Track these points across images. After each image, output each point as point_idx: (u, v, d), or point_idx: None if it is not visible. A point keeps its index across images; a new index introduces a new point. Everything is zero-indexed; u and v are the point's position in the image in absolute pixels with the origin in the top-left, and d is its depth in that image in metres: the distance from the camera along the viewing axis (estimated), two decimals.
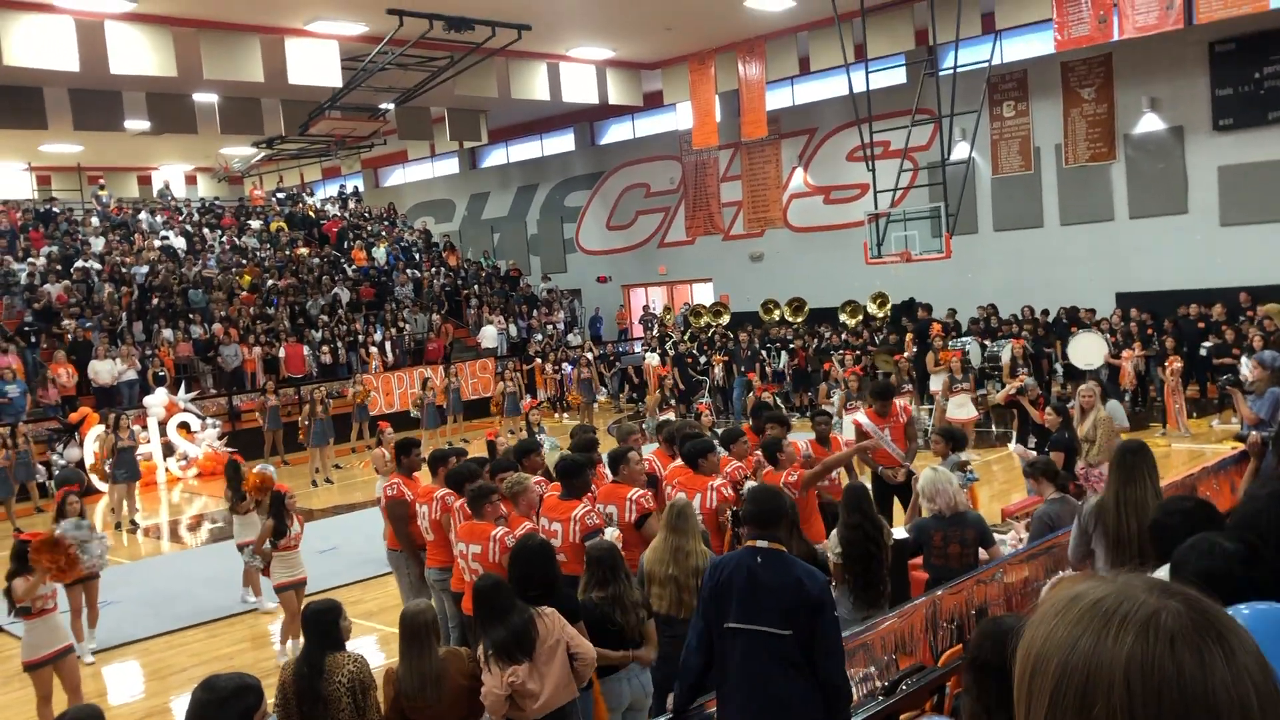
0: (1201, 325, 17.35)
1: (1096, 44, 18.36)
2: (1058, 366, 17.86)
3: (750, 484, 6.77)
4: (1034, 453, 9.28)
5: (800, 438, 8.61)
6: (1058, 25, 17.70)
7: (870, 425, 9.10)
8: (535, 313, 27.12)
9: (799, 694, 4.04)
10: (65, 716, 3.94)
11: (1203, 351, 16.55)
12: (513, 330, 25.90)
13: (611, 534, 6.29)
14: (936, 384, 16.11)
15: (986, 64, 18.33)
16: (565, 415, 22.39)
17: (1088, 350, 16.70)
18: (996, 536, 7.01)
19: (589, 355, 23.39)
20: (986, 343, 18.10)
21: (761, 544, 4.20)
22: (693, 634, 4.37)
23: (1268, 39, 18.37)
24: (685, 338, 23.58)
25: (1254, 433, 6.94)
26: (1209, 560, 2.48)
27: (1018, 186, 21.85)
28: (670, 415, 11.16)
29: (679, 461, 7.49)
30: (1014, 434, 14.98)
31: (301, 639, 8.38)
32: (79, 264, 23.24)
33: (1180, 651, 0.94)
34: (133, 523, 14.85)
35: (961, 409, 14.79)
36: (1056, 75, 21.01)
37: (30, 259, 23.25)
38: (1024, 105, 21.65)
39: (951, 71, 17.69)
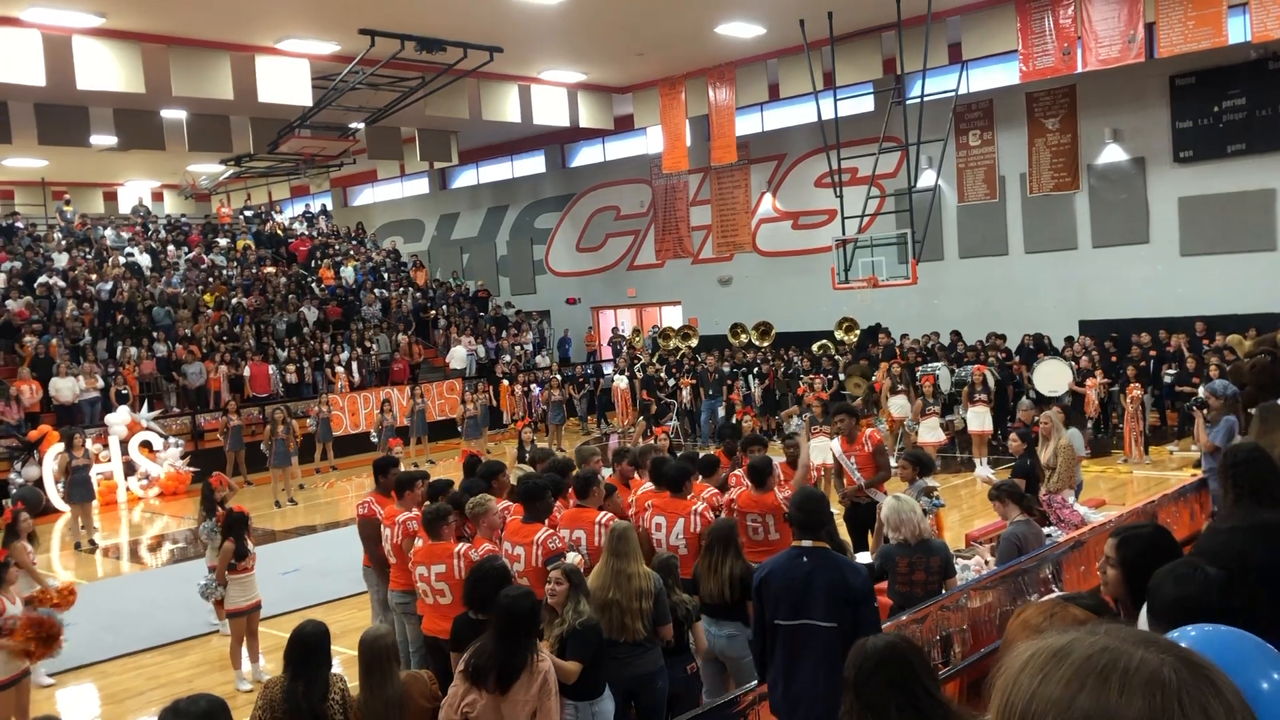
0: (1154, 353, 17.57)
1: (1060, 75, 18.68)
2: (1031, 394, 18.02)
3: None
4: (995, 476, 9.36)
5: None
6: (1023, 56, 18.01)
7: (839, 453, 9.15)
8: (504, 334, 27.06)
9: (840, 683, 4.15)
10: None
11: (1165, 379, 16.78)
12: (481, 351, 25.83)
13: (573, 559, 6.26)
14: (895, 408, 16.23)
15: (953, 93, 18.57)
16: (534, 437, 22.27)
17: (1052, 377, 16.90)
18: (960, 563, 7.06)
19: (557, 377, 23.38)
20: (955, 368, 18.26)
21: (806, 543, 4.55)
22: (754, 626, 4.80)
23: (1226, 73, 18.76)
24: (653, 360, 23.61)
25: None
26: (1190, 587, 2.47)
27: (983, 214, 22.12)
28: (654, 440, 11.13)
29: (648, 485, 7.48)
30: (979, 460, 15.13)
31: (257, 661, 8.32)
32: (42, 280, 22.96)
33: (1189, 709, 0.94)
34: (91, 542, 14.63)
35: (931, 433, 14.94)
36: (1021, 105, 21.33)
37: None
38: (989, 134, 21.95)
39: (919, 100, 17.91)
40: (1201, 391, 9.68)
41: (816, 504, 4.71)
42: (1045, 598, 2.41)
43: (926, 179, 20.19)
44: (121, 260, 25.31)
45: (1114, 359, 17.76)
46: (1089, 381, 16.79)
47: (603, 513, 6.71)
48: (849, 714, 3.19)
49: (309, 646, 4.59)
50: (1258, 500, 3.91)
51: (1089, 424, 16.44)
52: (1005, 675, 1.06)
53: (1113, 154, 20.35)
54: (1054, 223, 21.15)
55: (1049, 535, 7.45)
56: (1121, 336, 18.57)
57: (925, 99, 17.87)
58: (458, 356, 24.74)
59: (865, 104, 22.38)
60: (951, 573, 6.13)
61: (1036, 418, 10.25)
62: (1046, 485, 9.18)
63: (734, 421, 15.38)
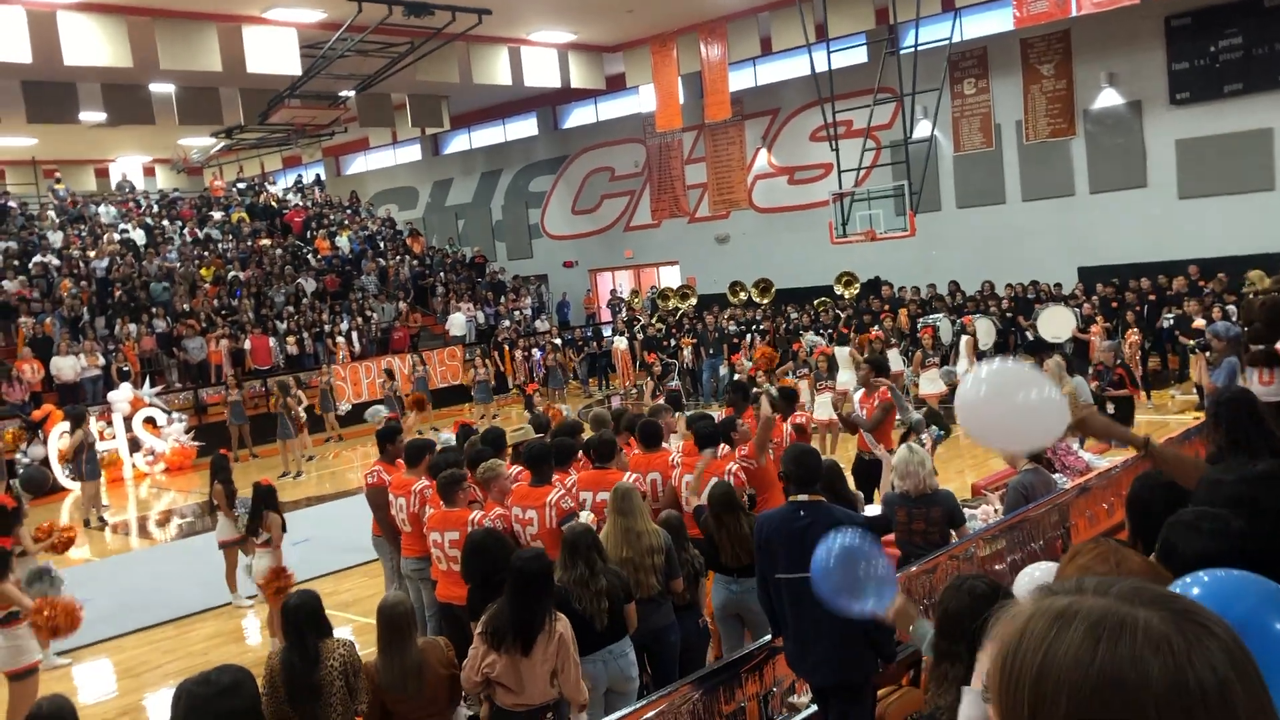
0: (1153, 297, 17.57)
1: (1055, 20, 18.51)
2: (1028, 335, 18.00)
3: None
4: None
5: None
6: (1016, 2, 17.85)
7: (856, 403, 9.30)
8: (502, 299, 27.02)
9: (845, 635, 4.41)
10: (38, 711, 3.89)
11: (1165, 323, 16.77)
12: (480, 317, 25.80)
13: (586, 517, 6.29)
14: (892, 361, 16.11)
15: (946, 42, 18.42)
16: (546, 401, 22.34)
17: (1056, 323, 16.86)
18: (967, 512, 7.08)
19: (556, 341, 23.38)
20: (955, 319, 18.23)
21: (802, 497, 4.62)
22: (758, 581, 4.86)
23: (1222, 13, 18.59)
24: (653, 321, 23.59)
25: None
26: (1215, 541, 2.32)
27: (979, 163, 22.01)
28: (661, 401, 11.17)
29: (636, 450, 7.49)
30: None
31: (279, 635, 8.37)
32: (37, 259, 22.89)
33: (1199, 668, 0.95)
34: (100, 519, 14.69)
35: (931, 384, 14.90)
36: (1016, 52, 21.17)
37: None
38: (984, 83, 21.80)
39: (912, 50, 17.77)
40: (1208, 331, 9.70)
41: (809, 459, 4.76)
42: (1100, 540, 2.35)
43: (922, 129, 20.06)
44: (116, 237, 25.21)
45: (1114, 305, 17.74)
46: (1092, 328, 16.78)
47: (627, 474, 6.73)
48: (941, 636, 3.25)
49: (297, 617, 4.65)
50: (1243, 442, 3.92)
51: (1091, 371, 16.43)
52: (1008, 636, 1.06)
53: (1109, 98, 20.22)
54: (1051, 169, 21.05)
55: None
56: (1121, 281, 18.54)
57: (919, 48, 17.73)
58: (457, 323, 24.72)
59: (858, 55, 22.22)
60: (959, 522, 6.15)
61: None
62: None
63: (737, 379, 15.37)
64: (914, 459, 6.14)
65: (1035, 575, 3.43)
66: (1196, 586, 1.81)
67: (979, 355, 15.84)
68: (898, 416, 8.96)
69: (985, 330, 17.15)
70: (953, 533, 6.18)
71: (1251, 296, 7.53)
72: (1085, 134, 20.62)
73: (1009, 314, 18.39)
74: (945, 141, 22.16)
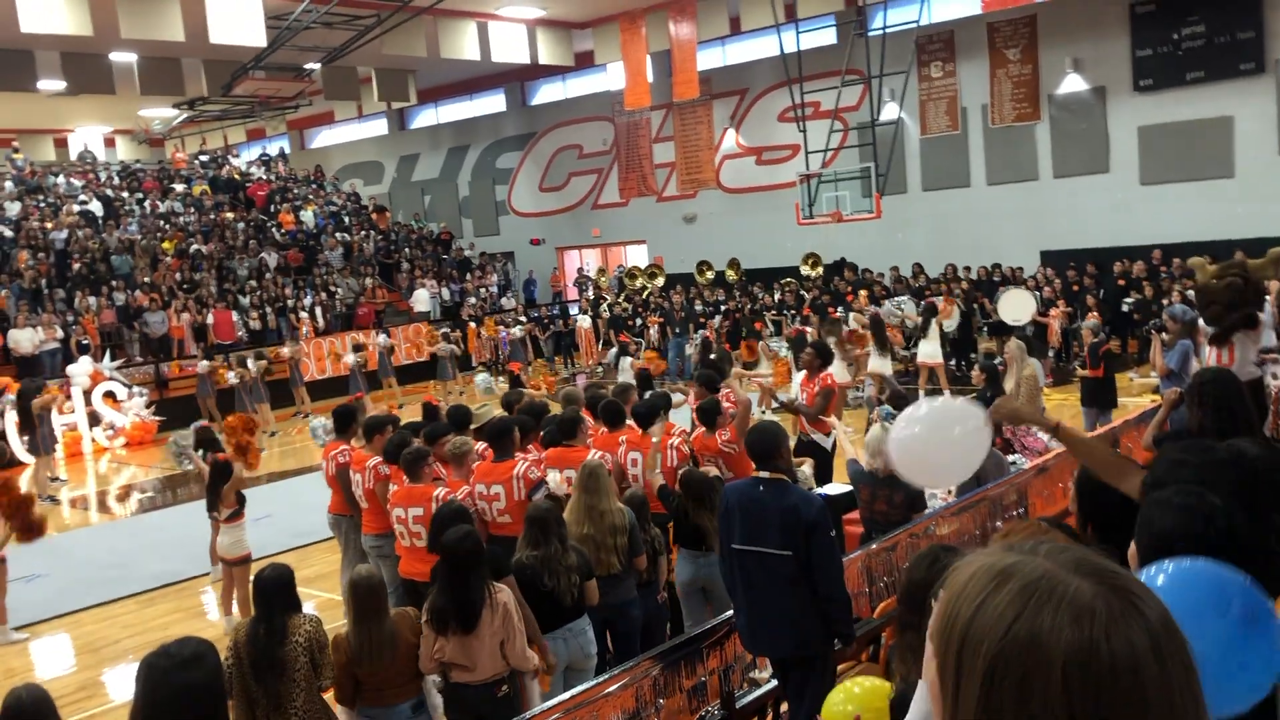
0: (1121, 282, 17.81)
1: (1021, 5, 18.62)
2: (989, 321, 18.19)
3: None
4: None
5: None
6: None
7: (797, 388, 9.30)
8: (468, 276, 26.89)
9: (798, 608, 4.48)
10: (13, 696, 3.85)
11: (1124, 307, 17.00)
12: (445, 294, 25.68)
13: (554, 479, 6.33)
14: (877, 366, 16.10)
15: (914, 25, 18.48)
16: (502, 378, 22.30)
17: (1016, 306, 17.04)
18: (926, 492, 7.16)
19: (522, 319, 23.34)
20: (919, 301, 18.35)
21: (764, 474, 4.65)
22: (720, 551, 4.91)
23: (1185, 0, 18.76)
24: (620, 300, 23.59)
25: (1170, 388, 7.18)
26: (1193, 522, 2.18)
27: (945, 146, 22.13)
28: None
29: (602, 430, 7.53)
30: (946, 391, 15.29)
31: (234, 613, 8.33)
32: None
33: (1114, 640, 0.97)
34: (51, 498, 14.46)
35: (881, 364, 14.83)
36: (983, 36, 21.27)
37: None
38: (951, 66, 21.90)
39: (880, 32, 17.81)
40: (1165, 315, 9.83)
41: (770, 435, 4.81)
42: (1030, 520, 2.36)
43: (889, 112, 20.13)
44: (75, 208, 24.82)
45: (1075, 288, 17.95)
46: (1052, 311, 16.96)
47: (593, 451, 6.75)
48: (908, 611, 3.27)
49: (268, 591, 4.64)
50: (1227, 421, 3.98)
51: (1050, 353, 16.65)
52: (950, 590, 1.08)
53: (1073, 84, 20.38)
54: (1015, 154, 21.21)
55: (1013, 463, 7.58)
56: (1081, 266, 18.76)
57: (887, 30, 17.78)
58: (420, 299, 24.59)
59: (827, 36, 22.23)
60: (920, 508, 6.23)
61: (997, 351, 10.37)
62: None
63: (711, 356, 15.41)
64: (886, 438, 6.20)
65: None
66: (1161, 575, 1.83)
67: (944, 337, 15.95)
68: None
69: (908, 310, 17.30)
70: (913, 516, 6.27)
71: (1206, 280, 7.61)
72: (1050, 119, 20.77)
73: (973, 297, 18.55)
74: (912, 124, 22.25)
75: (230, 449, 8.31)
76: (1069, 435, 3.47)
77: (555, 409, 8.55)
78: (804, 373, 9.32)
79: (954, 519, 6.11)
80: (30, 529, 7.11)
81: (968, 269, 19.86)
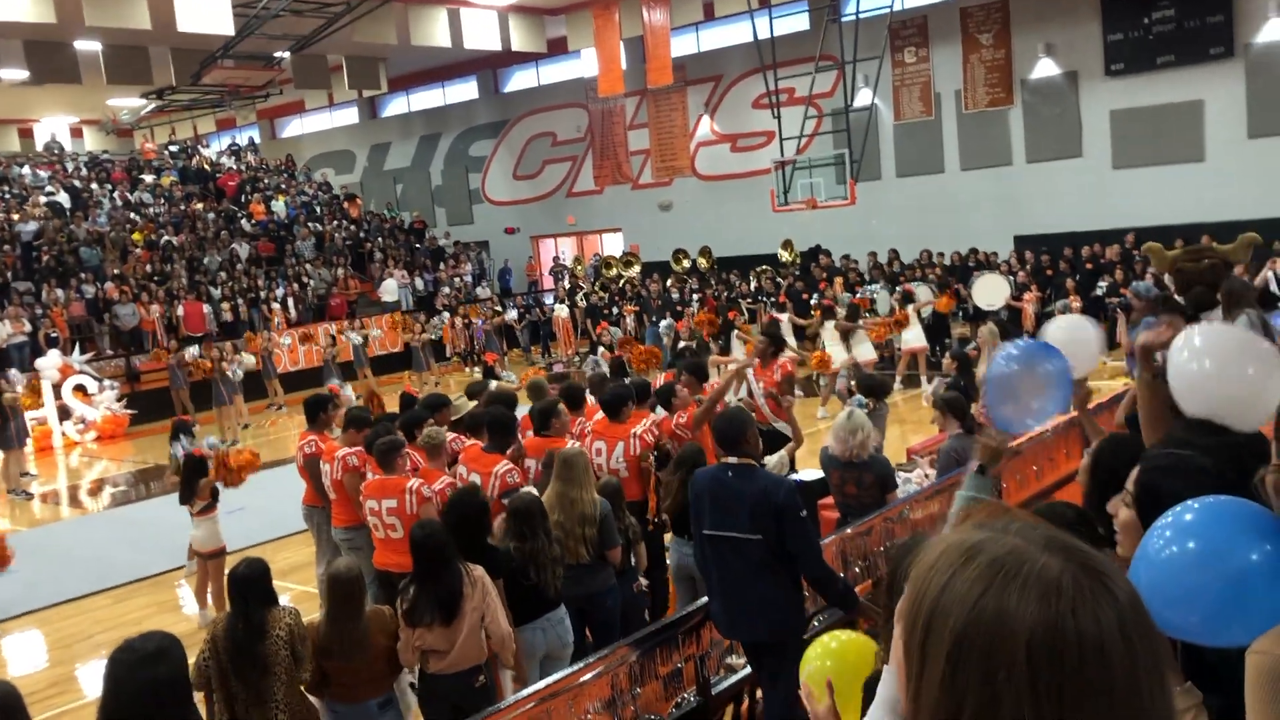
0: (1090, 266, 17.91)
1: None
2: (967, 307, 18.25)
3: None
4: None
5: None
6: None
7: (750, 377, 9.20)
8: (442, 265, 26.75)
9: (770, 593, 4.48)
10: None
11: (1098, 291, 17.10)
12: (419, 284, 25.54)
13: (529, 491, 6.31)
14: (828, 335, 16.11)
15: (888, 10, 18.47)
16: (475, 369, 22.22)
17: (990, 291, 17.10)
18: (901, 476, 7.18)
19: (498, 309, 23.25)
20: (894, 287, 18.41)
21: (731, 460, 4.63)
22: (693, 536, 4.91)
23: None
24: (596, 288, 23.53)
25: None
26: (1190, 482, 2.16)
27: (919, 132, 22.18)
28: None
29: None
30: (923, 377, 15.34)
31: (209, 606, 8.26)
32: None
33: (1081, 617, 0.96)
34: (25, 493, 14.31)
35: (862, 348, 14.88)
36: (956, 21, 21.31)
37: None
38: (925, 51, 21.92)
39: (853, 18, 17.79)
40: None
41: (736, 421, 4.80)
42: (992, 503, 2.35)
43: (863, 98, 20.13)
44: (42, 199, 24.51)
45: (1049, 273, 18.05)
46: (1026, 296, 17.03)
47: (571, 443, 6.72)
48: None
49: (245, 585, 4.58)
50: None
51: (1024, 337, 16.71)
52: (919, 567, 1.07)
53: (1046, 68, 20.45)
54: (989, 139, 21.28)
55: None
56: (1056, 250, 18.85)
57: (860, 16, 17.76)
58: (389, 289, 24.43)
59: (800, 22, 22.19)
60: (890, 488, 6.24)
61: (970, 337, 10.40)
62: (984, 400, 9.30)
63: (687, 345, 15.39)
64: (849, 424, 6.21)
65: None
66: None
67: (922, 323, 15.98)
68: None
69: (925, 297, 17.34)
70: (887, 496, 6.28)
71: (1170, 265, 7.67)
72: (1023, 104, 20.85)
73: (947, 282, 18.60)
74: (886, 110, 22.28)
75: (220, 472, 8.26)
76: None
77: (523, 400, 8.53)
78: (757, 362, 9.27)
79: (928, 502, 6.12)
80: None
81: (942, 255, 19.94)
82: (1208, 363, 3.02)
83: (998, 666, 0.96)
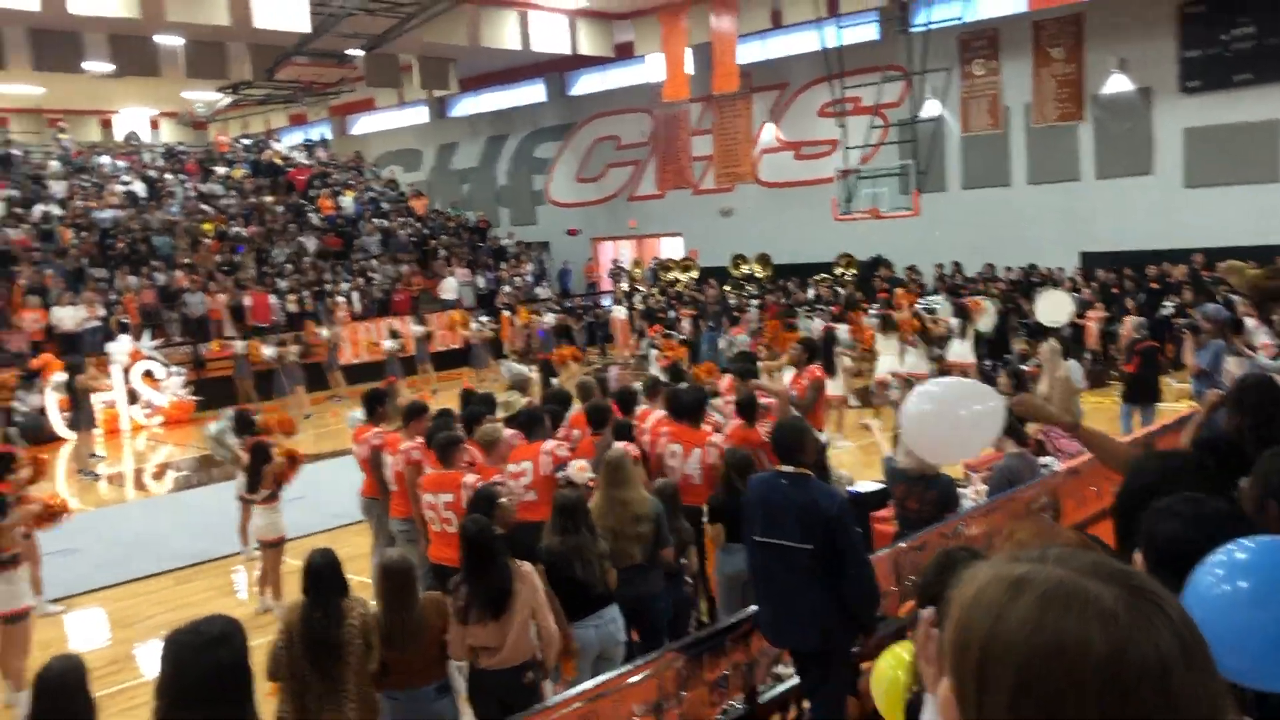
0: (1155, 285, 17.58)
1: (1068, 4, 18.39)
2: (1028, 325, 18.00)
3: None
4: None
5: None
6: None
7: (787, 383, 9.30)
8: (503, 265, 26.98)
9: (819, 603, 4.49)
10: (47, 672, 3.90)
11: (1164, 311, 16.79)
12: (481, 282, 25.77)
13: (576, 467, 6.36)
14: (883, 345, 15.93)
15: (958, 21, 18.32)
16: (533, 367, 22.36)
17: (1054, 307, 16.85)
18: (958, 491, 7.13)
19: (555, 308, 23.40)
20: (954, 301, 18.23)
21: (787, 468, 4.66)
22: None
23: (1236, 1, 18.47)
24: (654, 292, 23.58)
25: (1211, 390, 7.08)
26: (1185, 526, 2.16)
27: (986, 145, 21.93)
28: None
29: (659, 413, 7.56)
30: None
31: (272, 596, 8.42)
32: (39, 208, 22.83)
33: (1141, 643, 0.97)
34: (93, 473, 14.71)
35: (912, 359, 14.64)
36: (1028, 34, 21.04)
37: None
38: (994, 64, 21.67)
39: (924, 28, 17.66)
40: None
41: (794, 432, 4.83)
42: (1034, 516, 2.33)
43: (930, 109, 19.98)
44: (119, 188, 25.13)
45: (1114, 290, 17.75)
46: (1090, 313, 16.77)
47: (622, 444, 6.78)
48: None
49: (320, 575, 4.66)
50: (1267, 427, 3.89)
51: (1087, 356, 16.46)
52: (962, 602, 1.07)
53: (1118, 84, 20.12)
54: (1057, 154, 20.98)
55: (1045, 466, 7.50)
56: (1122, 268, 18.54)
57: (930, 27, 17.63)
58: (449, 287, 24.65)
59: (869, 32, 22.06)
60: (951, 507, 6.20)
61: (1031, 353, 10.28)
62: None
63: (741, 350, 15.36)
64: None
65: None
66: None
67: (979, 337, 15.81)
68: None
69: (988, 312, 17.15)
70: (945, 515, 6.24)
71: (1246, 283, 7.55)
72: (1093, 119, 20.53)
73: (1010, 297, 18.38)
74: (953, 122, 22.07)
75: (281, 456, 8.43)
76: (1089, 435, 3.43)
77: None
78: (793, 370, 9.31)
79: (984, 519, 6.07)
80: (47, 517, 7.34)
81: (1008, 269, 19.69)
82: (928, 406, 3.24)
83: (1063, 699, 0.97)
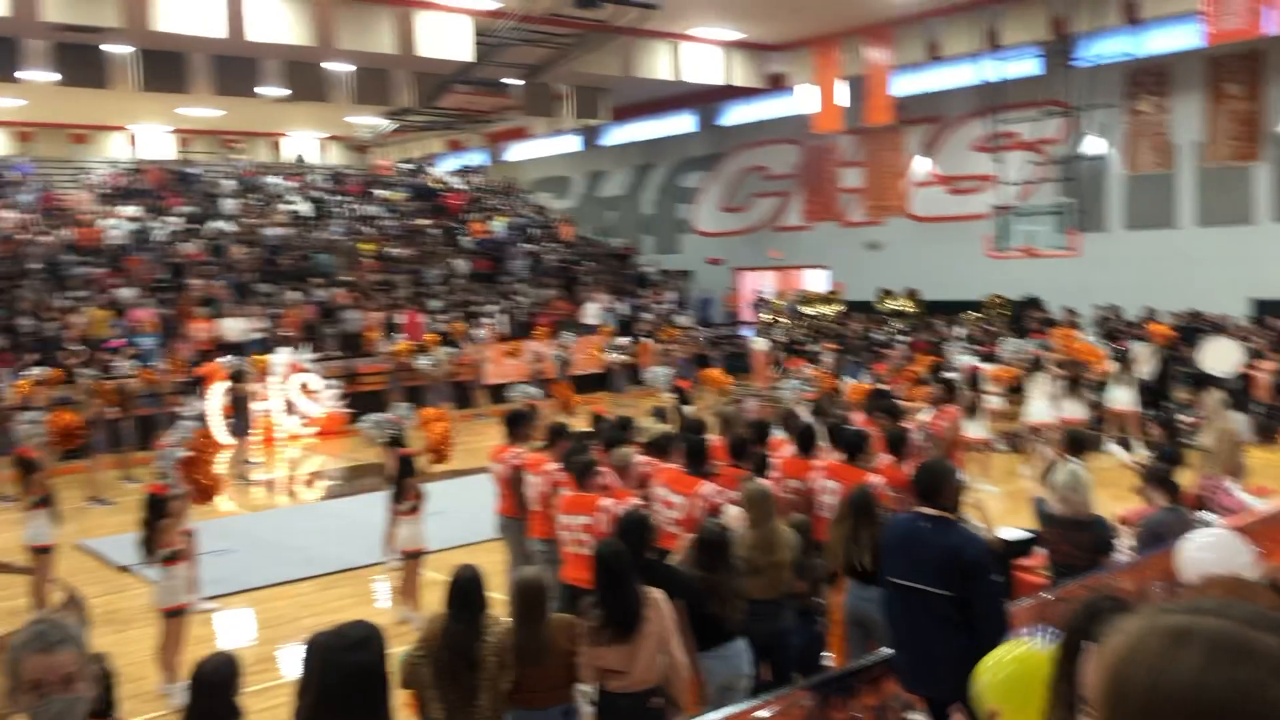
0: None
1: (1247, 38, 17.51)
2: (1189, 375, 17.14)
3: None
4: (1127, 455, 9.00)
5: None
6: (1208, 17, 16.92)
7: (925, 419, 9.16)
8: (645, 292, 27.21)
9: (956, 651, 4.29)
10: (200, 671, 4.09)
11: None
12: (622, 308, 26.05)
13: (733, 514, 6.32)
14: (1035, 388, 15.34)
15: (1126, 56, 17.65)
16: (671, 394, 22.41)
17: (1220, 356, 15.99)
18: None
19: (698, 337, 23.44)
20: (1112, 345, 17.50)
21: (928, 510, 4.55)
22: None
23: None
24: (795, 324, 23.39)
25: None
26: None
27: (1152, 184, 21.01)
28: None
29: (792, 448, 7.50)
30: (1133, 441, 14.46)
31: (410, 607, 8.62)
32: (212, 224, 24.16)
33: None
34: (244, 478, 15.36)
35: (1070, 405, 14.09)
36: (1200, 70, 20.11)
37: (166, 217, 24.26)
38: (1164, 100, 20.76)
39: (1088, 63, 17.09)
40: None
41: (934, 473, 4.72)
42: (1231, 576, 2.20)
43: (1092, 146, 19.29)
44: (285, 207, 26.40)
45: None
46: (1259, 363, 15.85)
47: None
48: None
49: (465, 590, 4.74)
50: None
51: (1257, 409, 15.55)
52: (1114, 651, 1.05)
53: None
54: (1230, 195, 19.95)
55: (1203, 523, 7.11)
56: None
57: (1095, 62, 17.05)
58: (591, 312, 24.98)
59: (1029, 66, 21.47)
60: (1107, 551, 5.96)
61: (1194, 402, 9.79)
62: (1205, 469, 8.76)
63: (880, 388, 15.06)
64: (1072, 481, 5.98)
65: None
66: None
67: (1140, 383, 15.08)
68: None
69: (1146, 357, 16.41)
70: (1101, 559, 6.01)
71: None
72: (1271, 159, 19.47)
73: (1172, 344, 17.53)
74: (1116, 159, 21.25)
75: (429, 442, 8.62)
76: None
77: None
78: (933, 411, 9.11)
79: (1133, 574, 5.79)
80: (204, 492, 7.78)
81: (1172, 314, 18.78)
82: None
83: None
